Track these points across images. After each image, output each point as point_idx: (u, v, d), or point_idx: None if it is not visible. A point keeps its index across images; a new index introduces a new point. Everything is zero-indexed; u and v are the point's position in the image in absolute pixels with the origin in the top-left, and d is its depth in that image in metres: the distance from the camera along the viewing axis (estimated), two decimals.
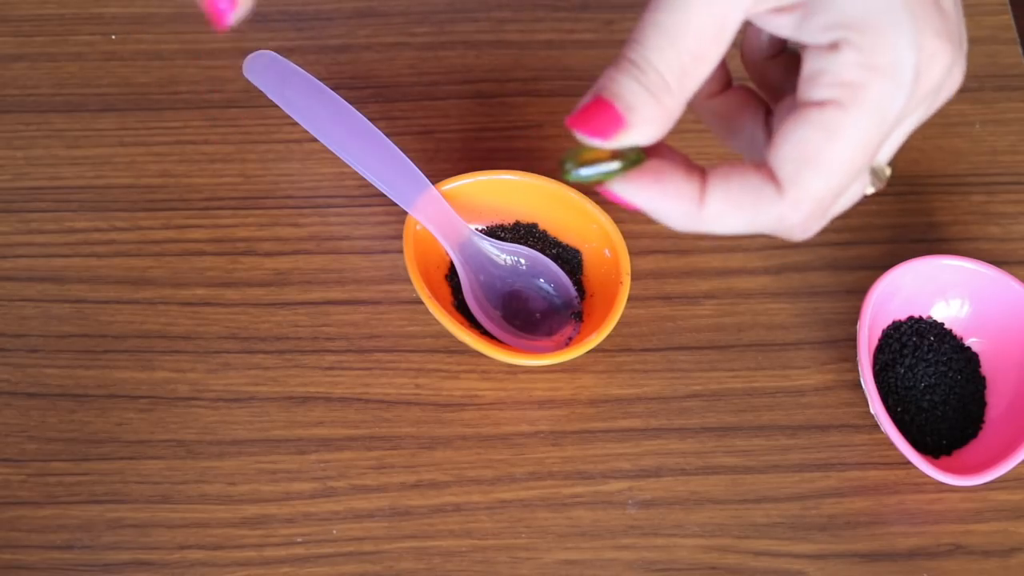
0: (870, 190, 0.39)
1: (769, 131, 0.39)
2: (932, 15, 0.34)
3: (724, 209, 0.35)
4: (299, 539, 0.51)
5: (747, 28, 0.39)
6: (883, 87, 0.33)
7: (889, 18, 0.33)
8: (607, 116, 0.34)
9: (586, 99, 0.35)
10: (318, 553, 0.51)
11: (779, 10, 0.34)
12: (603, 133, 0.34)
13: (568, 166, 0.35)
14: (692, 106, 0.35)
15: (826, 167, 0.34)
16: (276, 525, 0.51)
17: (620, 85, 0.34)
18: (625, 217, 0.57)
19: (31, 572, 0.50)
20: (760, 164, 0.35)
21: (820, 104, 0.34)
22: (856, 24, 0.33)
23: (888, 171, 0.38)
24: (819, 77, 0.34)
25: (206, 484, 0.52)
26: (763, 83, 0.41)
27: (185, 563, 0.51)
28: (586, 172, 0.35)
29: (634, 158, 0.35)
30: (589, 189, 0.36)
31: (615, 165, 0.35)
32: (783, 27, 0.35)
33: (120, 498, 0.52)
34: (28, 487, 0.52)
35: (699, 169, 0.36)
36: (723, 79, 0.40)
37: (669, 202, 0.35)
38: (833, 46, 0.33)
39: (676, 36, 0.33)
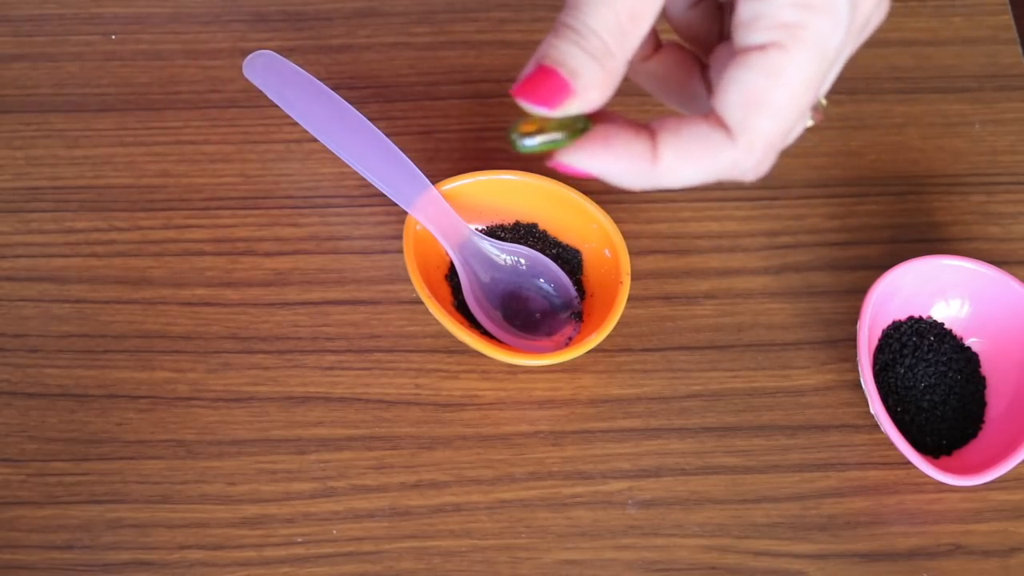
0: (809, 123, 0.39)
1: (708, 85, 0.39)
2: None
3: (678, 161, 0.35)
4: (299, 539, 0.51)
5: None
6: (821, 24, 0.33)
7: None
8: (552, 84, 0.34)
9: (529, 68, 0.34)
10: (318, 553, 0.51)
11: None
12: (550, 102, 0.34)
13: (514, 136, 0.35)
14: (627, 72, 0.35)
15: (774, 108, 0.34)
16: (276, 525, 0.51)
17: (562, 52, 0.34)
18: (625, 217, 0.57)
19: (31, 572, 0.50)
20: (707, 114, 0.35)
21: (761, 47, 0.34)
22: None
23: (824, 103, 0.39)
24: (756, 21, 0.34)
25: (206, 484, 0.52)
26: (689, 35, 0.41)
27: (185, 563, 0.51)
28: (531, 142, 0.35)
29: (581, 126, 0.35)
30: (540, 160, 0.36)
31: (561, 135, 0.35)
32: None
33: (120, 498, 0.52)
34: (28, 487, 0.52)
35: (645, 127, 0.36)
36: (653, 41, 0.40)
37: (622, 163, 0.35)
38: None
39: None
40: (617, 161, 0.35)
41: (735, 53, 0.35)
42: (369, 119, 0.56)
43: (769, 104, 0.34)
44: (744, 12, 0.34)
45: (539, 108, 0.34)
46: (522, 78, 0.34)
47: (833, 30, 0.34)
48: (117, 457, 0.53)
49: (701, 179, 0.36)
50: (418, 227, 0.54)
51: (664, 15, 0.40)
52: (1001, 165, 0.61)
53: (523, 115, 0.35)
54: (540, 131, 0.35)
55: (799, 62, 0.34)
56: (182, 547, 0.51)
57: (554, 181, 0.55)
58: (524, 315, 0.56)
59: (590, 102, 0.34)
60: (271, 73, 0.57)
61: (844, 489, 0.53)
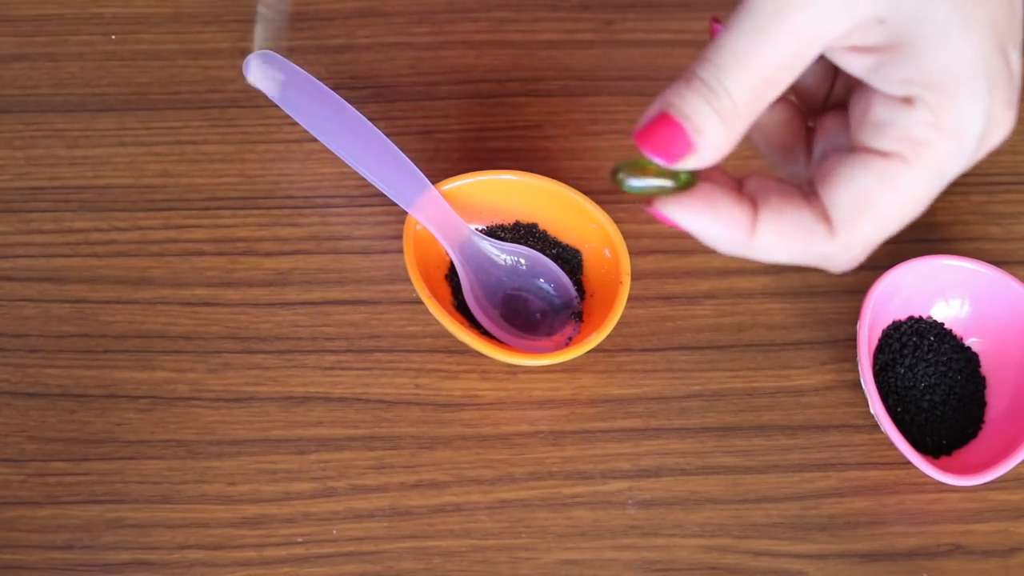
0: None
1: (809, 148, 0.39)
2: (1004, 82, 0.34)
3: (775, 242, 0.36)
4: (299, 539, 0.51)
5: None
6: (948, 149, 0.34)
7: (968, 86, 0.33)
8: (675, 137, 0.34)
9: (652, 112, 0.34)
10: (318, 553, 0.51)
11: (858, 49, 0.34)
12: (670, 155, 0.34)
13: (621, 176, 0.35)
14: None
15: (881, 217, 0.35)
16: (276, 525, 0.51)
17: (690, 105, 0.34)
18: (625, 217, 0.57)
19: (31, 572, 0.50)
20: (810, 196, 0.36)
21: (884, 154, 0.34)
22: (934, 84, 0.33)
23: None
24: (887, 128, 0.34)
25: (206, 484, 0.52)
26: (798, 90, 0.40)
27: (185, 563, 0.51)
28: (639, 184, 0.35)
29: (687, 179, 0.35)
30: (635, 199, 0.36)
31: (669, 184, 0.35)
32: (856, 66, 0.35)
33: (120, 498, 0.52)
34: (28, 487, 0.52)
35: (749, 196, 0.36)
36: None
37: (719, 229, 0.35)
38: (907, 100, 0.34)
39: (754, 61, 0.33)
40: (715, 225, 0.35)
41: (854, 149, 0.35)
42: (369, 119, 0.56)
43: (877, 211, 0.35)
44: (876, 114, 0.34)
45: (656, 158, 0.34)
46: (645, 122, 0.34)
47: (957, 157, 0.34)
48: (117, 457, 0.53)
49: (790, 261, 0.36)
50: (418, 227, 0.54)
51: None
52: (1001, 165, 0.61)
53: (634, 155, 0.35)
54: (648, 175, 0.35)
55: (917, 178, 0.34)
56: (182, 547, 0.51)
57: (554, 181, 0.55)
58: (524, 315, 0.56)
59: (707, 160, 0.34)
60: (271, 73, 0.57)
61: (844, 489, 0.53)
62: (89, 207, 0.59)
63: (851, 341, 0.55)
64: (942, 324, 0.55)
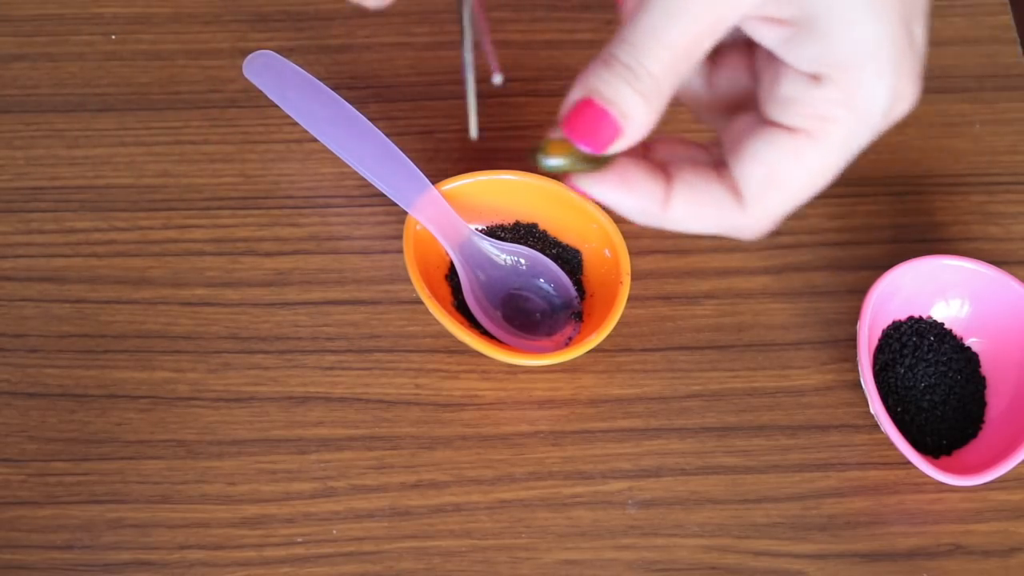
0: None
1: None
2: (908, 58, 0.34)
3: (687, 214, 0.36)
4: (299, 539, 0.51)
5: None
6: (854, 125, 0.35)
7: (875, 64, 0.34)
8: (602, 124, 0.34)
9: (575, 98, 0.34)
10: (318, 553, 0.51)
11: (772, 20, 0.34)
12: (599, 143, 0.34)
13: (539, 156, 0.36)
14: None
15: (790, 190, 0.36)
16: (276, 525, 0.51)
17: (614, 90, 0.34)
18: (625, 217, 0.56)
19: (31, 572, 0.50)
20: (720, 167, 0.36)
21: (791, 130, 0.35)
22: (843, 63, 0.34)
23: None
24: (795, 104, 0.35)
25: (206, 484, 0.52)
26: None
27: (185, 563, 0.51)
28: (555, 163, 0.36)
29: (604, 157, 0.36)
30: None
31: (585, 163, 0.36)
32: (768, 38, 0.35)
33: (120, 498, 0.52)
34: (28, 487, 0.52)
35: (662, 170, 0.37)
36: None
37: (634, 202, 0.36)
38: (815, 77, 0.34)
39: (672, 38, 0.33)
40: (630, 199, 0.36)
41: (763, 122, 0.35)
42: (369, 119, 0.56)
43: (786, 185, 0.35)
44: (785, 90, 0.35)
45: (588, 149, 0.35)
46: (569, 110, 0.34)
47: (863, 132, 0.35)
48: (117, 457, 0.53)
49: (703, 231, 0.37)
50: (418, 227, 0.54)
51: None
52: (1001, 165, 0.61)
53: (548, 137, 0.36)
54: (565, 154, 0.35)
55: (825, 154, 0.35)
56: (182, 547, 0.51)
57: (554, 181, 0.55)
58: (524, 315, 0.56)
59: (633, 141, 0.35)
60: (271, 73, 0.57)
61: (844, 489, 0.53)
62: (89, 207, 0.59)
63: (851, 341, 0.55)
64: (942, 324, 0.55)
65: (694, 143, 0.39)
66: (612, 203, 0.37)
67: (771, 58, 0.35)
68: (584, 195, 0.37)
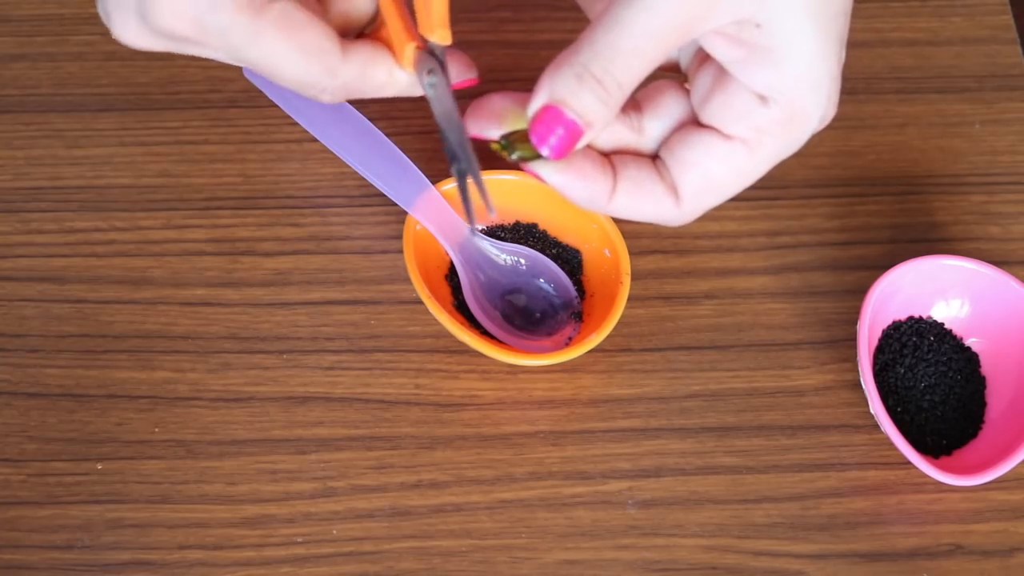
0: None
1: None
2: (837, 83, 0.38)
3: (628, 205, 0.39)
4: (299, 539, 0.51)
5: None
6: (786, 140, 0.38)
7: (814, 96, 0.37)
8: (567, 131, 0.36)
9: (541, 102, 0.36)
10: (318, 553, 0.51)
11: (731, 39, 0.36)
12: (562, 151, 0.37)
13: (506, 147, 0.38)
14: None
15: (719, 191, 0.39)
16: (276, 525, 0.51)
17: (580, 101, 0.36)
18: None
19: (31, 572, 0.50)
20: (659, 164, 0.39)
21: (728, 137, 0.38)
22: (788, 91, 0.37)
23: None
24: (738, 116, 0.37)
25: (206, 484, 0.52)
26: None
27: (185, 563, 0.51)
28: (520, 154, 0.38)
29: None
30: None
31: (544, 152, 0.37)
32: (724, 55, 0.37)
33: (120, 498, 0.52)
34: (28, 487, 0.52)
35: (608, 162, 0.39)
36: None
37: (582, 189, 0.39)
38: (763, 99, 0.37)
39: (643, 50, 0.35)
40: (580, 188, 0.39)
41: (698, 126, 0.39)
42: (369, 119, 0.56)
43: (717, 187, 0.39)
44: (732, 101, 0.37)
45: (551, 155, 0.37)
46: (538, 118, 0.36)
47: (791, 146, 0.38)
48: (117, 457, 0.53)
49: (637, 219, 0.40)
50: (418, 227, 0.54)
51: None
52: (1001, 165, 0.61)
53: (516, 129, 0.38)
54: (529, 147, 0.37)
55: (757, 162, 0.38)
56: (182, 547, 0.51)
57: None
58: (524, 315, 0.56)
59: (590, 140, 0.37)
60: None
61: (844, 489, 0.53)
62: (89, 207, 0.59)
63: (851, 341, 0.55)
64: (942, 324, 0.55)
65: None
66: (562, 188, 0.39)
67: (720, 70, 0.38)
68: (539, 179, 0.38)
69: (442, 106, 0.39)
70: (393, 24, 0.39)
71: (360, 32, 0.40)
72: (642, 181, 0.39)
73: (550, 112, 0.36)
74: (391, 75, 0.39)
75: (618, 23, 0.35)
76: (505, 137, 0.38)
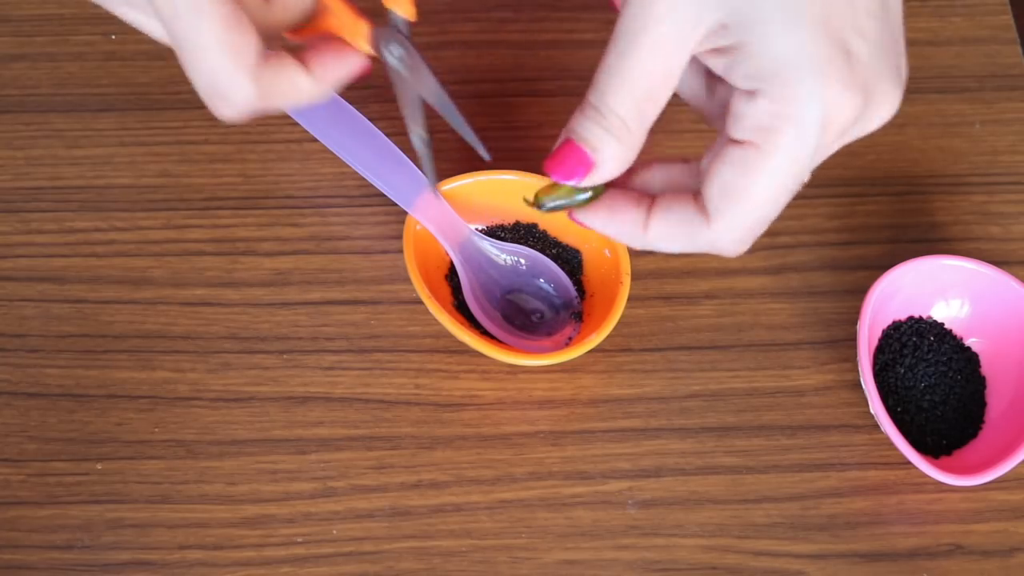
0: None
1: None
2: (839, 68, 0.37)
3: (663, 235, 0.40)
4: (299, 539, 0.51)
5: None
6: (792, 133, 0.37)
7: (796, 74, 0.36)
8: (576, 159, 0.39)
9: (559, 140, 0.40)
10: (318, 553, 0.51)
11: (715, 51, 0.38)
12: (571, 175, 0.40)
13: (541, 200, 0.42)
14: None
15: (747, 200, 0.38)
16: (276, 525, 0.51)
17: (585, 129, 0.39)
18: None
19: (31, 572, 0.50)
20: (697, 192, 0.40)
21: (740, 144, 0.38)
22: (769, 77, 0.37)
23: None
24: (741, 119, 0.38)
25: (206, 484, 0.52)
26: (706, 115, 0.44)
27: (185, 563, 0.51)
28: (552, 205, 0.42)
29: (597, 191, 0.41)
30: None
31: (580, 198, 0.41)
32: (717, 67, 0.38)
33: (120, 498, 0.52)
34: (28, 487, 0.52)
35: (648, 197, 0.41)
36: None
37: (618, 228, 0.41)
38: (751, 93, 0.37)
39: (629, 79, 0.38)
40: (614, 224, 0.41)
41: (725, 141, 0.39)
42: (369, 119, 0.56)
43: (742, 196, 0.38)
44: (734, 107, 0.38)
45: (562, 180, 0.40)
46: (553, 151, 0.40)
47: (803, 139, 0.37)
48: (117, 457, 0.53)
49: (684, 250, 0.41)
50: (418, 227, 0.54)
51: (683, 96, 0.43)
52: (1001, 165, 0.61)
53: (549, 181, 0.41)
54: (562, 195, 0.41)
55: (770, 162, 0.37)
56: (182, 547, 0.51)
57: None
58: (524, 315, 0.56)
59: (609, 173, 0.40)
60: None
61: (844, 489, 0.53)
62: (89, 207, 0.59)
63: (851, 341, 0.55)
64: (942, 324, 0.55)
65: (683, 160, 0.43)
66: (599, 228, 0.42)
67: (724, 81, 0.39)
68: (581, 224, 0.42)
69: (416, 77, 0.42)
70: (339, 8, 0.40)
71: (300, 26, 0.42)
72: (674, 207, 0.40)
73: (563, 144, 0.40)
74: (294, 83, 0.40)
75: (607, 58, 0.38)
76: (535, 194, 0.42)
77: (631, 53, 0.37)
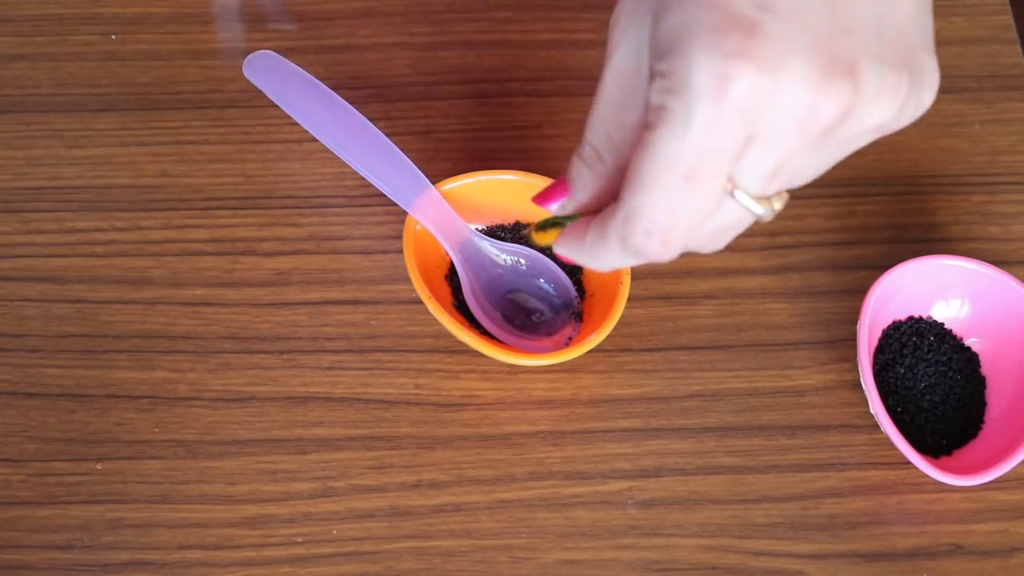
0: (764, 216, 0.38)
1: None
2: (732, 36, 0.33)
3: (594, 241, 0.39)
4: (299, 539, 0.51)
5: None
6: (678, 104, 0.34)
7: (675, 46, 0.34)
8: (557, 187, 0.41)
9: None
10: (318, 553, 0.51)
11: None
12: (546, 201, 0.42)
13: (532, 235, 0.43)
14: None
15: (639, 183, 0.36)
16: (276, 525, 0.51)
17: (570, 162, 0.41)
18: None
19: (31, 572, 0.50)
20: None
21: (643, 126, 0.36)
22: (660, 53, 0.35)
23: (777, 204, 0.38)
24: (648, 104, 0.36)
25: (206, 484, 0.52)
26: None
27: (185, 563, 0.51)
28: (539, 236, 0.43)
29: (572, 218, 0.41)
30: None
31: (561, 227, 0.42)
32: None
33: (120, 498, 0.52)
34: (28, 487, 0.52)
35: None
36: None
37: (572, 249, 0.40)
38: (651, 76, 0.35)
39: (599, 111, 0.39)
40: (570, 247, 0.41)
41: None
42: (369, 119, 0.56)
43: (636, 178, 0.36)
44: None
45: (540, 205, 0.42)
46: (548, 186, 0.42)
47: (689, 116, 0.34)
48: (117, 457, 0.53)
49: (617, 260, 0.39)
50: (418, 227, 0.54)
51: None
52: (1001, 165, 0.61)
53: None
54: (544, 221, 0.42)
55: (659, 140, 0.35)
56: (182, 547, 0.51)
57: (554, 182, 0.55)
58: (524, 315, 0.56)
59: (579, 200, 0.41)
60: (271, 73, 0.57)
61: (844, 489, 0.53)
62: (89, 207, 0.59)
63: (851, 341, 0.55)
64: (942, 324, 0.55)
65: None
66: (566, 254, 0.41)
67: None
68: (560, 257, 0.42)
69: None
70: None
71: None
72: (603, 212, 0.38)
73: (558, 180, 0.41)
74: None
75: (593, 102, 0.39)
76: (531, 227, 0.44)
77: (598, 86, 0.38)
